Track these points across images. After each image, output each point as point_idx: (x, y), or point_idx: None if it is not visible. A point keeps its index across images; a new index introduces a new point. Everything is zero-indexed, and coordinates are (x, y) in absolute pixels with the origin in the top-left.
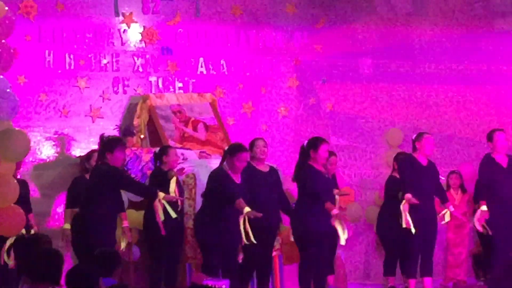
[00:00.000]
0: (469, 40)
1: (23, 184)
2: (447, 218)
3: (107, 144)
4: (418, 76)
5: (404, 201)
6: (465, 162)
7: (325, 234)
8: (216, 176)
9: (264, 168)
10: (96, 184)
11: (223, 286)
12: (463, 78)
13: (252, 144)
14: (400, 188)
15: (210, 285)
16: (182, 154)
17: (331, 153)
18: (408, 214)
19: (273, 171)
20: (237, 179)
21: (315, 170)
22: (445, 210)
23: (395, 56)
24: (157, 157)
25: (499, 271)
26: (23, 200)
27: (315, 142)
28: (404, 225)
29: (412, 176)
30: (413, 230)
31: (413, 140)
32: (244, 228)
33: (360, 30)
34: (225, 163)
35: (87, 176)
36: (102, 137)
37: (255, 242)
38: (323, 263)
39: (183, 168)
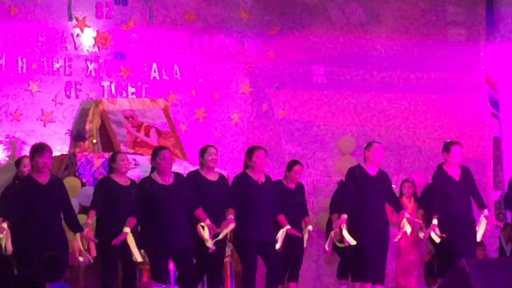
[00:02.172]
0: (422, 49)
1: None
2: (408, 228)
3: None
4: (371, 84)
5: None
6: (418, 170)
7: (260, 242)
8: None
9: (213, 176)
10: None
11: None
12: (416, 86)
13: (203, 151)
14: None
15: None
16: (134, 159)
17: (296, 162)
18: (345, 232)
19: (222, 179)
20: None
21: (249, 178)
22: (403, 219)
23: (349, 64)
24: (109, 165)
25: (447, 279)
26: None
27: (250, 150)
28: (345, 243)
29: (354, 191)
30: (353, 243)
31: (364, 149)
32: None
33: (313, 38)
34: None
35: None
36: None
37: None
38: (270, 271)
39: None
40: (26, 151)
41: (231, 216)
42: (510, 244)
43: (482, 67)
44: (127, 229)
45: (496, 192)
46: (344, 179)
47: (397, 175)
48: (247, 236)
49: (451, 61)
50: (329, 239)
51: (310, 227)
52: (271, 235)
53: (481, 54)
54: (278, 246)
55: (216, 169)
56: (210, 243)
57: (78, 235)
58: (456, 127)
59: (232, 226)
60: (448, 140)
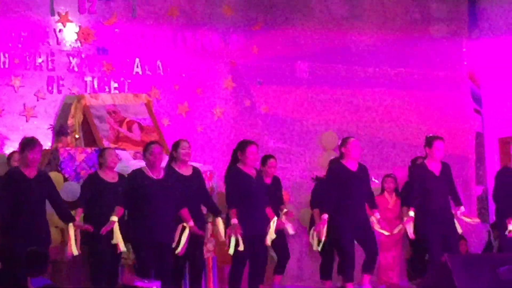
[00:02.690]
0: (405, 45)
1: None
2: (376, 227)
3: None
4: (353, 80)
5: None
6: (399, 165)
7: (253, 237)
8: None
9: (186, 171)
10: None
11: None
12: (398, 82)
13: (176, 145)
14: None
15: (139, 286)
16: (117, 154)
17: (270, 156)
18: (323, 231)
19: (196, 173)
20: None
21: (243, 173)
22: (372, 218)
23: (332, 60)
24: (97, 160)
25: (430, 275)
26: None
27: (242, 144)
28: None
29: (336, 188)
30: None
31: (339, 146)
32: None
33: (297, 33)
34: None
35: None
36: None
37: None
38: (255, 269)
39: None
40: (8, 146)
41: (235, 221)
42: (498, 242)
43: (465, 63)
44: (114, 218)
45: (479, 187)
46: (318, 175)
47: (379, 169)
48: (245, 232)
49: (433, 57)
50: (314, 237)
51: (285, 210)
52: (265, 229)
53: (464, 50)
54: (270, 238)
55: (192, 163)
56: (179, 249)
57: (71, 225)
58: (438, 122)
59: (238, 235)
60: (430, 135)
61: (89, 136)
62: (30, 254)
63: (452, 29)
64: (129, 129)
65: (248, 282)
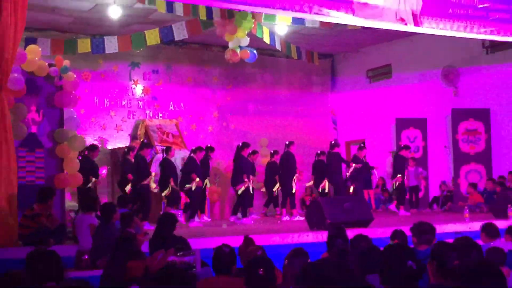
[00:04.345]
0: (299, 96)
1: None
2: None
3: None
4: (274, 113)
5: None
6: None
7: None
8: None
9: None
10: None
11: None
12: (294, 114)
13: (168, 149)
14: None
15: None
16: (162, 148)
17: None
18: None
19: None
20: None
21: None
22: None
23: (264, 103)
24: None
25: (309, 209)
26: None
27: (244, 144)
28: None
29: None
30: None
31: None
32: None
33: (248, 90)
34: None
35: None
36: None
37: None
38: None
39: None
40: (108, 144)
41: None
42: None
43: (329, 105)
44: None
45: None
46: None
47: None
48: None
49: (314, 102)
50: None
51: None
52: None
53: (329, 98)
54: None
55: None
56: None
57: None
58: (314, 135)
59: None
60: (333, 141)
61: (148, 140)
62: None
63: (323, 88)
64: (167, 136)
65: None
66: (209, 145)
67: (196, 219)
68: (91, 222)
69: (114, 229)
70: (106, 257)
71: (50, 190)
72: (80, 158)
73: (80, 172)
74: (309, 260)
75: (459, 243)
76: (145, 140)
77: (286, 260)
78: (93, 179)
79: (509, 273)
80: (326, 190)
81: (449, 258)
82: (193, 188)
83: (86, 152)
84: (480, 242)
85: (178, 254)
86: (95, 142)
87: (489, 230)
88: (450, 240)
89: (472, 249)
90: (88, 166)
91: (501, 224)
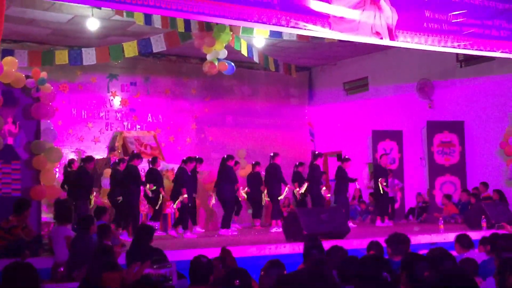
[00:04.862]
0: (278, 108)
1: None
2: None
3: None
4: (253, 124)
5: None
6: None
7: None
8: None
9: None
10: None
11: None
12: (275, 127)
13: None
14: None
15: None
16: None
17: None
18: None
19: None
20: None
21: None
22: None
23: (243, 115)
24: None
25: (286, 221)
26: None
27: (229, 156)
28: None
29: None
30: None
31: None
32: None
33: (228, 102)
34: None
35: None
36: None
37: None
38: None
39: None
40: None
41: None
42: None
43: (306, 117)
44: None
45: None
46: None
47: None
48: None
49: (292, 114)
50: None
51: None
52: None
53: (306, 111)
54: None
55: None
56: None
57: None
58: (291, 146)
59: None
60: (316, 152)
61: (125, 152)
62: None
63: (301, 100)
64: (145, 148)
65: None
66: (197, 157)
67: (193, 230)
68: (67, 234)
69: (91, 241)
70: (82, 269)
71: (25, 201)
72: (76, 170)
73: (79, 185)
74: (285, 272)
75: (433, 254)
76: (122, 153)
77: (263, 272)
78: (94, 193)
79: (481, 283)
80: (303, 191)
81: (420, 269)
82: (180, 202)
83: (82, 164)
84: (454, 253)
85: (155, 266)
86: (73, 155)
87: (463, 241)
88: (425, 251)
89: (445, 260)
90: (85, 178)
91: (475, 235)
